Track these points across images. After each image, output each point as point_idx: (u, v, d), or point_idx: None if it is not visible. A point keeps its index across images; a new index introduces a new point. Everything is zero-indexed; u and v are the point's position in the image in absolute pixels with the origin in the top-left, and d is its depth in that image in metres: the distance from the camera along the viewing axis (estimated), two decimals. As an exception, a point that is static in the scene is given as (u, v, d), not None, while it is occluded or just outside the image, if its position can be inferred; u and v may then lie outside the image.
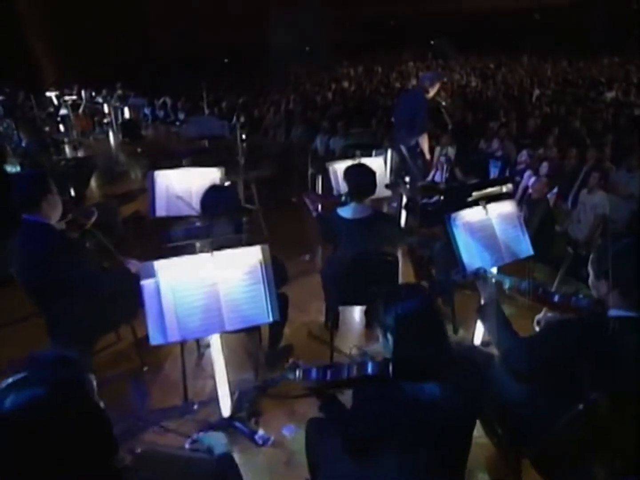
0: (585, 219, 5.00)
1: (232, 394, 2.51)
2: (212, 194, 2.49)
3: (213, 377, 2.42)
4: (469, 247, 2.61)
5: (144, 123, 11.10)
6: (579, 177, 5.65)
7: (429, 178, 5.59)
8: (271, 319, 2.26)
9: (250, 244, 2.25)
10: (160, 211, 3.50)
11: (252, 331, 2.69)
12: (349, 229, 2.73)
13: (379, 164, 4.06)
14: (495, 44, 18.37)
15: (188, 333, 2.14)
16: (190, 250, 2.16)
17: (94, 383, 1.12)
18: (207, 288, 2.17)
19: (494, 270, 2.66)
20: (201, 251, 2.18)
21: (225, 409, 2.47)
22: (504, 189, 2.80)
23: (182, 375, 2.72)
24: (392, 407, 1.31)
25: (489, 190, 2.69)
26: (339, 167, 3.84)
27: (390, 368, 1.39)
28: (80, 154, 8.64)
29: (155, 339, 2.07)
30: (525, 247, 2.85)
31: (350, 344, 3.15)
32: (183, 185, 3.53)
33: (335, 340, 3.23)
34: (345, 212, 2.81)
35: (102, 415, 1.01)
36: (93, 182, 6.87)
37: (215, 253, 2.19)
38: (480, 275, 2.10)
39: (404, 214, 4.74)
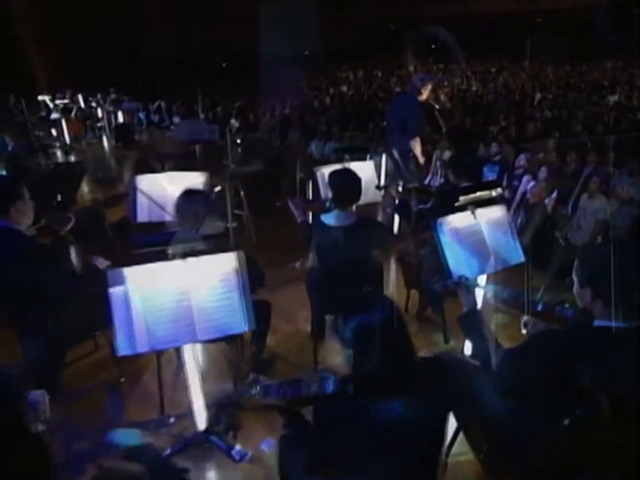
0: (585, 225, 4.95)
1: (209, 406, 2.44)
2: (186, 198, 2.45)
3: (199, 387, 2.36)
4: (456, 253, 2.55)
5: (138, 127, 11.10)
6: (580, 181, 5.61)
7: (426, 183, 5.54)
8: (246, 329, 2.21)
9: (225, 250, 2.20)
10: (142, 217, 3.46)
11: (233, 340, 2.63)
12: (331, 237, 2.67)
13: (368, 169, 4.02)
14: (497, 48, 18.41)
15: (158, 343, 2.08)
16: (161, 257, 2.11)
17: (46, 399, 1.06)
18: (178, 296, 2.12)
19: (483, 277, 2.60)
20: (173, 258, 2.13)
21: (201, 423, 2.41)
22: (494, 193, 2.74)
23: (159, 386, 2.66)
24: (350, 426, 1.24)
25: (478, 194, 2.64)
26: (327, 172, 3.78)
27: (351, 385, 1.33)
28: (72, 158, 8.64)
29: (123, 349, 2.01)
30: (516, 254, 2.79)
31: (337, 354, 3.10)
32: (165, 190, 3.49)
33: (322, 350, 3.18)
34: (329, 219, 2.75)
35: (33, 438, 0.95)
36: (85, 187, 6.86)
37: (188, 260, 2.14)
38: (461, 283, 2.04)
39: (397, 219, 4.69)
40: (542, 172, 5.74)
